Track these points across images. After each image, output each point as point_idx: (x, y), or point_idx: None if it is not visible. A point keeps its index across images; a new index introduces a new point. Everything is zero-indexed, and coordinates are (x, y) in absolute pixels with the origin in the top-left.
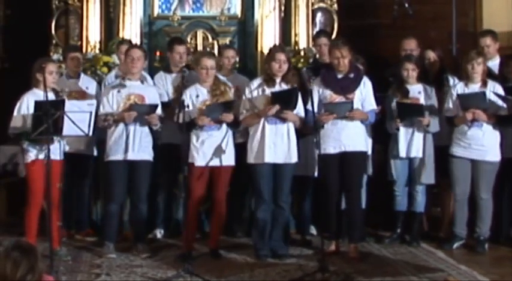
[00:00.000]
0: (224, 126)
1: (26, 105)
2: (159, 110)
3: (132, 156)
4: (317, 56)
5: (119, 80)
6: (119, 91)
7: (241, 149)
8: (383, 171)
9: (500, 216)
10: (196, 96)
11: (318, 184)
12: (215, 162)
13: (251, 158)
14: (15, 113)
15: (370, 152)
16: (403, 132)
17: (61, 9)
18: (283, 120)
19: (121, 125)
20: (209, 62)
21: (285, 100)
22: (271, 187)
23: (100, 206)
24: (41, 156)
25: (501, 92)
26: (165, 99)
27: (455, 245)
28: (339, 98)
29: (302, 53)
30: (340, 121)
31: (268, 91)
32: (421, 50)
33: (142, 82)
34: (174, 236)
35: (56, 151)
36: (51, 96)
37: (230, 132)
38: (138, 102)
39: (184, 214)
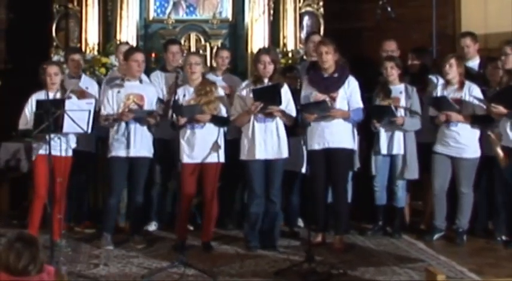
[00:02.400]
0: (209, 124)
1: (29, 105)
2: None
3: (133, 153)
4: (304, 57)
5: (118, 81)
6: (118, 91)
7: (232, 146)
8: (367, 167)
9: (477, 209)
10: (184, 95)
11: (306, 178)
12: (202, 158)
13: (243, 155)
14: (23, 112)
15: (356, 148)
16: (384, 131)
17: (61, 13)
18: (272, 117)
19: (123, 123)
20: (193, 59)
21: (267, 97)
22: (263, 182)
23: (100, 199)
24: (46, 152)
25: (478, 92)
26: (160, 96)
27: (435, 236)
28: (323, 97)
29: (290, 55)
30: (324, 119)
31: None
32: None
33: (141, 82)
34: (168, 228)
35: (62, 147)
36: (59, 96)
37: (218, 130)
38: (137, 102)
39: (176, 207)
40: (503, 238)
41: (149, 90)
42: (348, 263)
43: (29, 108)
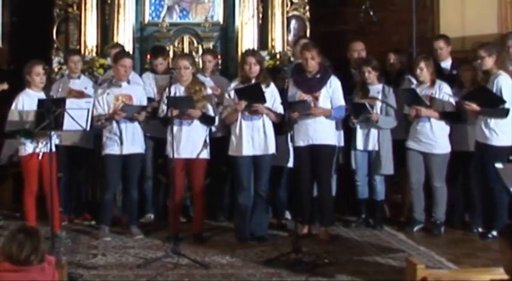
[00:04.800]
0: (196, 122)
1: (21, 104)
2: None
3: (126, 150)
4: (292, 58)
5: (107, 83)
6: (108, 93)
7: (221, 142)
8: (348, 162)
9: (454, 203)
10: (175, 93)
11: (293, 173)
12: (188, 155)
13: (231, 151)
14: (11, 111)
15: (341, 144)
16: (359, 127)
17: (61, 17)
18: (258, 115)
19: (114, 123)
20: (182, 62)
21: (250, 95)
22: (251, 176)
23: (98, 193)
24: (36, 150)
25: (448, 90)
26: (151, 95)
27: (415, 228)
28: (306, 97)
29: (278, 56)
30: (308, 118)
31: None
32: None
33: (128, 83)
34: (162, 220)
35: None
36: (42, 95)
37: (205, 128)
38: (126, 102)
39: (168, 200)
40: (480, 229)
41: (137, 90)
42: (332, 254)
43: (20, 108)
